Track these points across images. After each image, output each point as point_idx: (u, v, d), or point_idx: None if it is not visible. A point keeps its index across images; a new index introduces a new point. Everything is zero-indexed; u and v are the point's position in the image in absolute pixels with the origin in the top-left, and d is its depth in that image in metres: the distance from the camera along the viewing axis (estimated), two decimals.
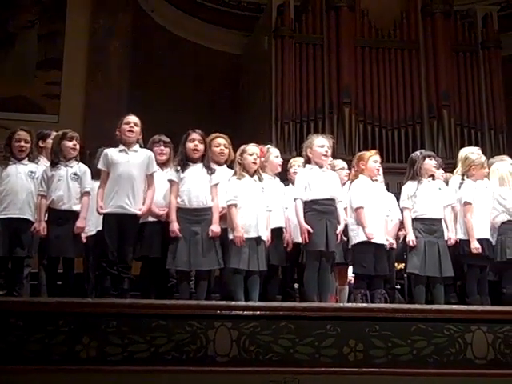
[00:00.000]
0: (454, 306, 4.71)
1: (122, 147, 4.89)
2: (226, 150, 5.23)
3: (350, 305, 4.86)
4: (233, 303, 4.31)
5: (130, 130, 4.90)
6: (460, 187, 5.29)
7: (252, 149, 4.99)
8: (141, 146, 4.95)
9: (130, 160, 4.83)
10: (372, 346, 4.23)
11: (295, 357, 4.12)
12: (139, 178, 4.83)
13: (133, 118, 4.96)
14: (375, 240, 5.00)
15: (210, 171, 4.89)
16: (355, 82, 10.63)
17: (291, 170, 5.56)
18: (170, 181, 4.84)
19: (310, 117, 10.53)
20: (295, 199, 4.94)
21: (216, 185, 4.87)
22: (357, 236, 5.06)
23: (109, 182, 4.81)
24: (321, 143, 5.02)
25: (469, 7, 11.47)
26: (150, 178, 4.89)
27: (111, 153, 4.87)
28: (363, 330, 4.25)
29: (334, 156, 5.59)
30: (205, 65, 11.81)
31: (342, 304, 4.99)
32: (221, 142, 5.22)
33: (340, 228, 4.91)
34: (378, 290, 5.02)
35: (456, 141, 10.32)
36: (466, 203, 5.17)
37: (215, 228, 4.72)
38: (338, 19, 10.83)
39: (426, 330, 4.29)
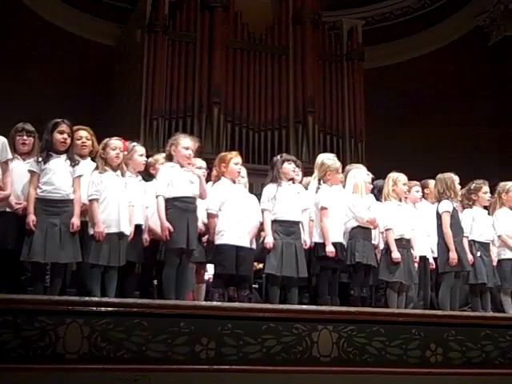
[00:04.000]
0: (303, 306, 4.88)
1: None
2: (89, 143, 5.14)
3: (204, 303, 4.92)
4: (86, 299, 4.22)
5: None
6: (316, 192, 5.48)
7: (115, 143, 4.93)
8: None
9: None
10: (224, 344, 4.30)
11: (147, 354, 4.10)
12: None
13: None
14: (238, 242, 5.09)
15: (74, 163, 4.78)
16: (226, 82, 10.76)
17: (151, 169, 5.54)
18: (31, 171, 4.69)
19: (179, 114, 10.53)
20: (157, 196, 4.93)
21: (79, 177, 4.78)
22: (221, 237, 5.10)
23: None
24: (186, 145, 5.03)
25: (336, 19, 11.96)
26: (3, 166, 4.68)
27: None
28: (216, 328, 4.30)
29: (201, 155, 5.64)
30: (77, 54, 11.48)
31: (196, 302, 5.04)
32: (82, 135, 5.13)
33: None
34: (242, 291, 5.12)
35: (319, 146, 10.70)
36: (322, 208, 5.37)
37: (76, 221, 4.63)
38: (211, 19, 10.92)
39: (276, 329, 4.41)
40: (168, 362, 4.14)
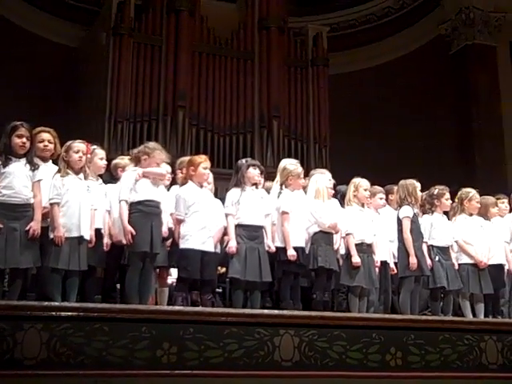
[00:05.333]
0: (265, 311, 4.88)
1: None
2: (51, 146, 5.07)
3: (165, 307, 4.90)
4: (45, 304, 4.17)
5: None
6: (278, 196, 5.51)
7: (78, 146, 4.88)
8: None
9: None
10: (186, 348, 4.29)
11: (108, 359, 4.08)
12: None
13: None
14: (203, 247, 5.08)
15: (33, 167, 4.72)
16: (191, 86, 10.76)
17: (118, 171, 5.52)
18: None
19: (144, 117, 10.50)
20: (120, 201, 4.91)
21: (39, 181, 4.71)
22: (186, 242, 5.09)
23: None
24: (160, 161, 5.03)
25: (302, 25, 12.05)
26: None
27: None
28: (178, 332, 4.30)
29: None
30: (39, 54, 11.34)
31: (158, 306, 5.02)
32: (45, 137, 5.06)
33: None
34: (206, 295, 5.10)
35: (283, 151, 10.76)
36: (283, 212, 5.39)
37: (35, 225, 4.57)
38: (177, 23, 10.92)
39: (237, 334, 4.44)
40: (129, 367, 4.13)
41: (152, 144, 5.22)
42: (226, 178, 7.74)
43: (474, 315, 5.76)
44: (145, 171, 4.95)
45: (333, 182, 5.93)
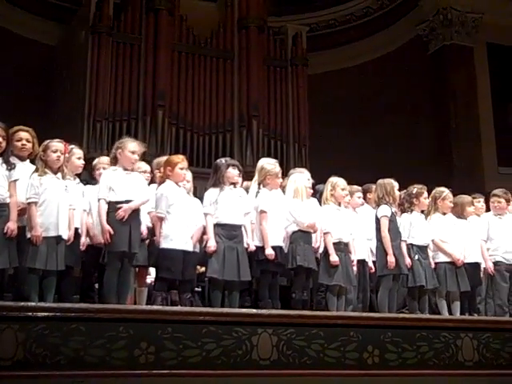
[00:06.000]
0: (243, 310, 4.88)
1: None
2: (29, 145, 5.02)
3: (143, 307, 4.89)
4: (21, 304, 4.12)
5: None
6: (256, 196, 5.52)
7: (56, 145, 4.85)
8: None
9: None
10: (164, 348, 4.28)
11: (85, 360, 4.05)
12: None
13: None
14: (185, 247, 5.08)
15: (10, 167, 4.68)
16: (171, 85, 10.75)
17: (96, 171, 5.50)
18: None
19: (123, 117, 10.47)
20: (99, 199, 4.89)
21: (15, 181, 4.67)
22: (170, 241, 5.06)
23: None
24: (133, 149, 5.00)
25: (281, 25, 12.09)
26: None
27: None
28: (156, 332, 4.28)
29: (145, 159, 5.62)
30: (17, 53, 11.24)
31: (135, 306, 5.01)
32: (23, 136, 5.01)
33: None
34: (184, 294, 5.09)
35: (263, 150, 10.80)
36: (262, 211, 5.40)
37: (12, 225, 4.53)
38: (156, 22, 10.91)
39: (216, 333, 4.43)
40: (106, 367, 4.10)
41: (123, 138, 5.22)
42: (205, 178, 7.71)
43: (451, 313, 5.82)
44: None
45: (311, 181, 5.95)
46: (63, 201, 4.79)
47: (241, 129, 10.98)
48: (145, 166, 5.48)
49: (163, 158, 5.60)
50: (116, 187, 4.90)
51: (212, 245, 5.16)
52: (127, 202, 4.88)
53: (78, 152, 5.24)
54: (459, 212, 6.17)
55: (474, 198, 6.45)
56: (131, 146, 5.00)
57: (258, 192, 5.54)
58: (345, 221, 5.66)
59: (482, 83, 11.86)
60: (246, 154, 10.73)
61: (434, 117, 11.84)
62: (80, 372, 4.03)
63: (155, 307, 4.70)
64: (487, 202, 6.58)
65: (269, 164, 5.67)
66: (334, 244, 5.51)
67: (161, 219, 5.13)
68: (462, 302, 5.90)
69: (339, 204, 5.72)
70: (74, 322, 4.08)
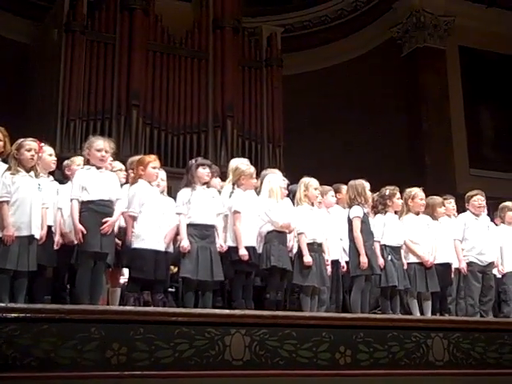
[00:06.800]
0: (216, 310, 4.88)
1: None
2: (0, 144, 4.99)
3: (115, 307, 4.85)
4: None
5: None
6: (230, 196, 5.52)
7: (30, 144, 4.83)
8: None
9: None
10: (136, 349, 4.26)
11: (56, 361, 4.02)
12: None
13: None
14: (157, 247, 5.07)
15: None
16: (145, 85, 10.69)
17: (68, 171, 5.47)
18: None
19: (97, 116, 10.39)
20: (71, 199, 4.86)
21: None
22: (142, 241, 5.05)
23: None
24: (99, 147, 4.99)
25: (256, 26, 12.10)
26: None
27: None
28: (128, 333, 4.27)
29: (118, 158, 5.59)
30: None
31: (107, 306, 4.97)
32: None
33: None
34: (157, 295, 5.08)
35: (237, 151, 10.78)
36: (235, 212, 5.41)
37: None
38: (131, 21, 10.84)
39: (188, 333, 4.42)
40: (77, 368, 4.07)
41: (91, 137, 5.20)
42: (180, 178, 7.70)
43: (422, 313, 5.88)
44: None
45: (286, 181, 5.97)
46: (36, 199, 4.76)
47: (215, 129, 10.96)
48: (120, 165, 5.46)
49: (137, 158, 5.58)
50: (89, 186, 4.87)
51: (185, 245, 5.16)
52: (99, 201, 4.86)
53: (48, 149, 5.23)
54: (430, 213, 6.23)
55: (445, 199, 6.53)
56: (97, 144, 4.99)
57: (231, 192, 5.54)
58: (318, 221, 5.68)
59: (454, 85, 12.01)
60: (220, 155, 10.72)
61: (407, 118, 11.95)
62: (51, 374, 4.00)
63: (127, 308, 4.68)
64: (458, 203, 6.66)
65: (243, 164, 5.69)
66: (308, 244, 5.53)
67: (133, 218, 5.12)
68: (434, 302, 5.96)
69: (312, 204, 5.75)
70: (45, 323, 4.05)
